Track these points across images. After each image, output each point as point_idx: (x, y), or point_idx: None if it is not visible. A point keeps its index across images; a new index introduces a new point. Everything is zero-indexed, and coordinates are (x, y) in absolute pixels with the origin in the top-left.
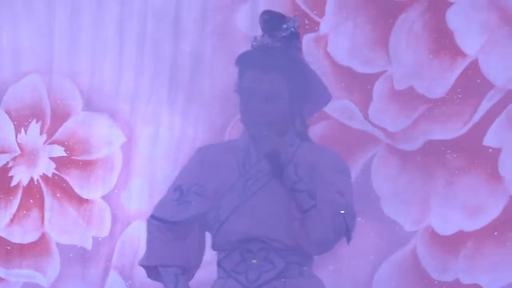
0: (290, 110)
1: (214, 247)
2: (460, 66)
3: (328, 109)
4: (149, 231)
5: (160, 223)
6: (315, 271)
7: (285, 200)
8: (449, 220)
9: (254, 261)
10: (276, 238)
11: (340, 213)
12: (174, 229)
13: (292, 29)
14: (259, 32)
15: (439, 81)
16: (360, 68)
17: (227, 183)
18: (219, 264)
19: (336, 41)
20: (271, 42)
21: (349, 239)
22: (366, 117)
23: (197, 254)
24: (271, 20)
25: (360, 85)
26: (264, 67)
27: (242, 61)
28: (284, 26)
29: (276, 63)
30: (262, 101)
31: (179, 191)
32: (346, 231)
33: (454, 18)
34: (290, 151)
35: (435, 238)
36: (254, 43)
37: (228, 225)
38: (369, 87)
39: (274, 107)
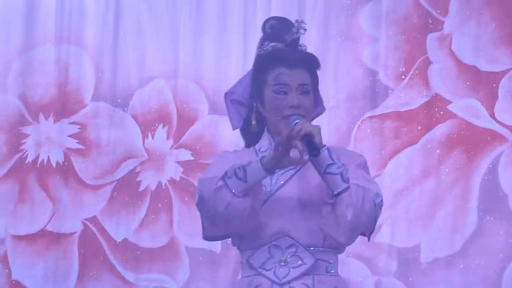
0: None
1: (240, 247)
2: None
3: (454, 108)
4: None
5: None
6: (432, 270)
7: (312, 191)
8: None
9: (283, 257)
10: (306, 229)
11: (370, 197)
12: None
13: (301, 31)
14: (381, 32)
15: None
16: (485, 67)
17: None
18: (246, 262)
19: (460, 39)
20: (282, 46)
21: (371, 232)
22: (492, 115)
23: None
24: (280, 25)
25: (485, 83)
26: (293, 63)
27: (265, 61)
28: (294, 29)
29: (302, 60)
30: (297, 95)
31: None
32: (374, 220)
33: None
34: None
35: None
36: (264, 49)
37: (257, 221)
38: (494, 85)
39: (307, 101)
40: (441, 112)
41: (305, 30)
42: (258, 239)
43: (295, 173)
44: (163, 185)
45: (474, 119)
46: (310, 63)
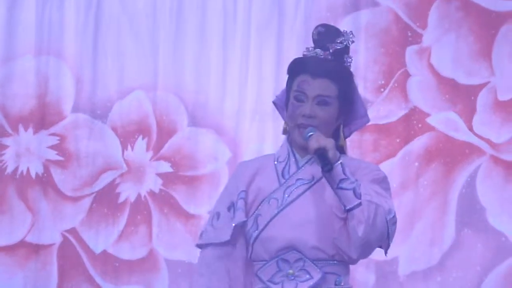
0: (336, 120)
1: (251, 257)
2: None
3: (432, 121)
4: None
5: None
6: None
7: (325, 207)
8: None
9: (290, 271)
10: (314, 245)
11: (382, 214)
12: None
13: (347, 42)
14: (361, 44)
15: None
16: (463, 80)
17: (266, 192)
18: (256, 275)
19: (439, 52)
20: (323, 54)
21: (387, 247)
22: (470, 128)
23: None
24: (327, 32)
25: (464, 96)
26: (316, 72)
27: (294, 67)
28: (339, 39)
29: (328, 70)
30: (312, 105)
31: (231, 205)
32: (387, 236)
33: None
34: (337, 151)
35: None
36: (305, 53)
37: (266, 233)
38: (472, 98)
39: (324, 112)
40: (420, 125)
41: (352, 42)
42: (266, 252)
43: (309, 188)
44: (142, 197)
45: (452, 132)
46: (337, 75)
